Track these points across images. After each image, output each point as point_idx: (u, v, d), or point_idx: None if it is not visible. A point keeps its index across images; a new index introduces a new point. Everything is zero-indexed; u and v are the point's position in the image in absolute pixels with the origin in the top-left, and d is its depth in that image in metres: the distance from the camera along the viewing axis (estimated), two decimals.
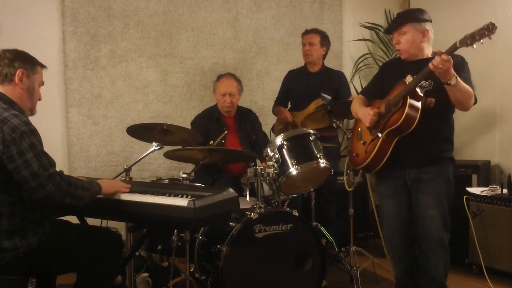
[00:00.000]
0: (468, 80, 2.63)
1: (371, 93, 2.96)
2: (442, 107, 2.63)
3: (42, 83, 2.33)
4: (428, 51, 2.72)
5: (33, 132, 2.08)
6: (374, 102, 2.89)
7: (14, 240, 2.06)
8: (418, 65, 2.65)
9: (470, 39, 2.32)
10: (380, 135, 2.69)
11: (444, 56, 2.39)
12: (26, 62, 2.23)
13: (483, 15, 4.32)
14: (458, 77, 2.47)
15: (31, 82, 2.25)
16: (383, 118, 2.72)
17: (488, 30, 2.27)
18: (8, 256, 2.05)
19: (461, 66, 2.63)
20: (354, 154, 2.95)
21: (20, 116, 2.09)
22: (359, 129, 2.95)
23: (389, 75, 2.84)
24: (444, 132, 2.72)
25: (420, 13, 2.70)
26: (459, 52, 2.56)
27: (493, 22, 2.27)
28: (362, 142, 2.88)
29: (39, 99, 2.35)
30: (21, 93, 2.22)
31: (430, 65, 2.45)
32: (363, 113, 2.81)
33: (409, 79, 2.65)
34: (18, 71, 2.19)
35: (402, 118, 2.56)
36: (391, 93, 2.73)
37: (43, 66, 2.32)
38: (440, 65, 2.40)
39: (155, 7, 4.41)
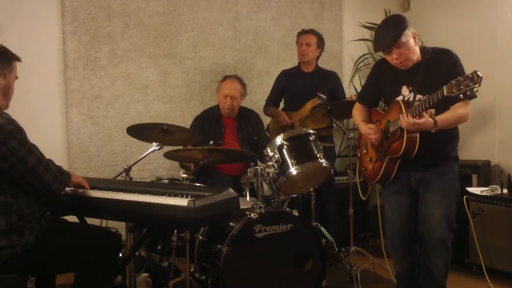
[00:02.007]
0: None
1: (368, 99, 2.95)
2: (443, 111, 2.61)
3: (16, 78, 2.26)
4: (418, 54, 2.66)
5: (19, 129, 2.07)
6: (374, 112, 2.91)
7: (11, 238, 2.06)
8: (411, 72, 2.64)
9: (456, 88, 2.27)
10: (384, 159, 2.73)
11: (410, 120, 2.44)
12: (3, 61, 2.16)
13: (483, 15, 4.33)
14: (438, 122, 2.45)
15: (8, 81, 2.19)
16: (385, 142, 2.74)
17: (473, 81, 2.21)
18: (6, 254, 2.06)
19: (452, 67, 2.58)
20: (363, 168, 2.98)
21: (2, 114, 2.08)
22: (364, 141, 2.96)
23: (384, 79, 2.81)
24: (449, 133, 2.71)
25: (402, 18, 2.63)
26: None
27: (478, 72, 2.21)
28: (368, 158, 2.91)
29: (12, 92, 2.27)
30: None
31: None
32: (366, 131, 2.82)
33: (405, 91, 2.66)
34: None
35: (403, 149, 2.58)
36: (389, 111, 2.73)
37: (18, 60, 2.24)
38: (409, 128, 2.47)
39: (155, 7, 4.41)
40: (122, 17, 4.31)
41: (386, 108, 2.85)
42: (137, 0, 4.35)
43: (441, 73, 2.55)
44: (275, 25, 4.81)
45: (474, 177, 3.90)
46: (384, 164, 2.74)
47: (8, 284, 2.10)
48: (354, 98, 3.70)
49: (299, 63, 4.22)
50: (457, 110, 2.55)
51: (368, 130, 2.78)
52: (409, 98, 2.64)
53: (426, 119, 2.45)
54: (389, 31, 2.59)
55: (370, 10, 5.13)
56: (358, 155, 3.08)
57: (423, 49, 2.66)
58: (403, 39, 2.55)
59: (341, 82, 4.31)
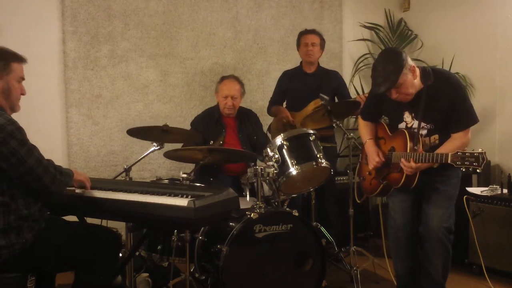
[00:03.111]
0: (466, 115, 2.61)
1: (371, 116, 2.97)
2: (447, 136, 2.63)
3: (21, 79, 2.23)
4: (418, 83, 2.63)
5: (19, 129, 2.07)
6: (380, 128, 2.92)
7: (9, 237, 2.06)
8: (413, 100, 2.64)
9: (460, 161, 2.33)
10: (382, 182, 2.79)
11: (412, 165, 2.52)
12: None
13: (483, 15, 4.33)
14: (437, 161, 2.48)
15: (5, 83, 2.16)
16: (385, 167, 2.77)
17: (478, 161, 2.29)
18: (4, 253, 2.06)
19: (454, 93, 2.59)
20: (361, 177, 3.02)
21: (3, 114, 2.08)
22: (367, 154, 2.97)
23: (386, 103, 2.78)
24: None
25: (398, 54, 2.56)
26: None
27: (484, 154, 2.28)
28: (368, 171, 2.94)
29: (23, 94, 2.26)
30: None
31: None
32: (371, 155, 2.85)
33: (407, 117, 2.68)
34: None
35: (402, 182, 2.65)
36: (394, 138, 2.76)
37: (21, 61, 2.22)
38: (413, 172, 2.56)
39: (155, 7, 4.41)
40: (122, 17, 4.31)
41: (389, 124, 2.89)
42: (137, 0, 4.35)
43: (444, 100, 2.57)
44: (275, 25, 4.81)
45: (474, 177, 3.90)
46: (382, 186, 2.80)
47: (8, 284, 2.10)
48: (358, 99, 3.70)
49: (301, 63, 4.22)
50: (458, 141, 2.58)
51: (375, 158, 2.80)
52: (412, 125, 2.67)
53: (425, 164, 2.53)
54: (386, 74, 2.54)
55: (370, 10, 5.13)
56: (360, 160, 3.10)
57: (423, 72, 2.63)
58: (400, 80, 2.52)
59: (343, 80, 4.31)
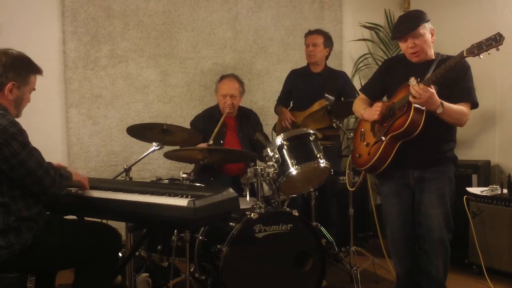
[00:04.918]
0: (470, 89, 2.62)
1: (373, 91, 2.92)
2: None
3: (33, 89, 2.30)
4: (432, 52, 2.69)
5: (21, 131, 2.08)
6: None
7: (8, 237, 2.07)
8: (422, 67, 2.64)
9: (477, 49, 2.29)
10: (383, 138, 2.67)
11: (421, 86, 2.41)
12: (20, 73, 2.19)
13: (483, 15, 4.33)
14: (444, 104, 2.46)
15: (21, 93, 2.22)
16: (387, 121, 2.70)
17: (496, 40, 2.25)
18: (3, 254, 2.06)
19: (463, 73, 2.61)
20: (357, 155, 2.92)
21: (6, 116, 2.09)
22: (362, 130, 2.93)
23: (392, 74, 2.81)
24: (448, 132, 2.71)
25: (423, 13, 2.67)
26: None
27: (500, 32, 2.24)
28: (365, 143, 2.86)
29: (28, 102, 2.32)
30: (7, 103, 2.18)
31: (410, 97, 2.47)
32: (370, 113, 2.76)
33: (412, 81, 2.63)
34: (9, 84, 2.16)
35: (407, 123, 2.53)
36: (394, 96, 2.70)
37: (39, 73, 2.29)
38: (418, 95, 2.42)
39: (155, 7, 4.41)
40: (122, 17, 4.31)
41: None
42: (137, 0, 4.35)
43: (451, 76, 2.55)
44: (275, 25, 4.81)
45: (474, 177, 3.90)
46: (383, 144, 2.67)
47: (8, 284, 2.10)
48: None
49: (308, 63, 4.21)
50: (460, 106, 2.57)
51: (376, 109, 2.70)
52: None
53: (435, 93, 2.44)
54: (408, 20, 2.64)
55: (370, 10, 5.14)
56: (351, 147, 3.06)
57: (436, 54, 2.68)
58: (421, 30, 2.58)
59: (350, 81, 4.29)
